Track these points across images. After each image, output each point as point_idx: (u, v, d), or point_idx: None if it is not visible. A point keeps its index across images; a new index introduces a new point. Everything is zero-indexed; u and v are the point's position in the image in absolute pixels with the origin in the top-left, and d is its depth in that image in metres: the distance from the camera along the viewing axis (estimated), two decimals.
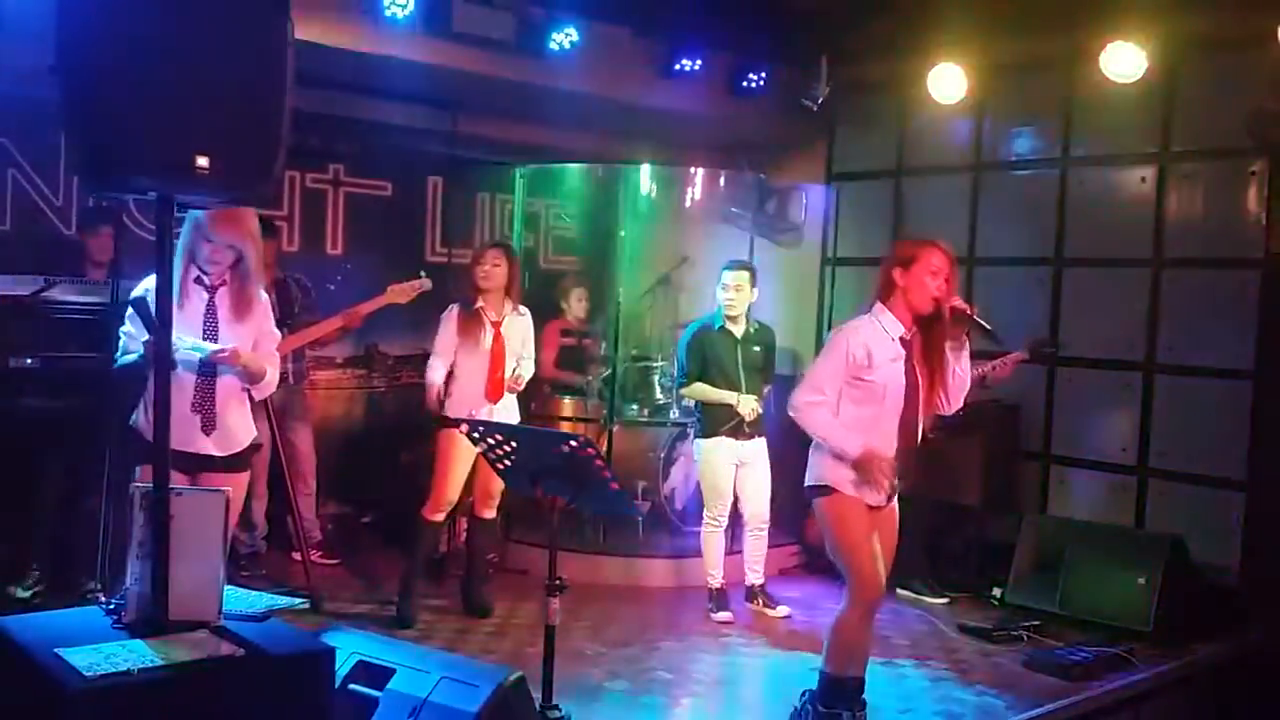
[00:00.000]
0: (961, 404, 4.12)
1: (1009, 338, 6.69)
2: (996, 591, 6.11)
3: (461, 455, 5.29)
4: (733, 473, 5.75)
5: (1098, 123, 6.64)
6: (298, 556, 5.70)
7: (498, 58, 6.25)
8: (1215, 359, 6.15)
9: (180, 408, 3.74)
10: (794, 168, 7.99)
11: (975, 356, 6.10)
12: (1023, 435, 6.90)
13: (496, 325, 5.35)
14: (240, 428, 4.13)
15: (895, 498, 4.07)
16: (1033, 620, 5.67)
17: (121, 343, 4.00)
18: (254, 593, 3.34)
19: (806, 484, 4.07)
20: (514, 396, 5.45)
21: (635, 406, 7.10)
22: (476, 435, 3.92)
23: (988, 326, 4.16)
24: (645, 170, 7.46)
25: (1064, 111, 6.80)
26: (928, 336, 3.98)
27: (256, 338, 4.08)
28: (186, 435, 3.88)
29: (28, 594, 5.00)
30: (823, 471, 3.98)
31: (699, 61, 6.90)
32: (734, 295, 5.70)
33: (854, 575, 3.98)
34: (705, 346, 5.75)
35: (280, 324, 5.90)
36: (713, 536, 5.80)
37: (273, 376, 4.19)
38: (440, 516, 5.44)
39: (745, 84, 7.22)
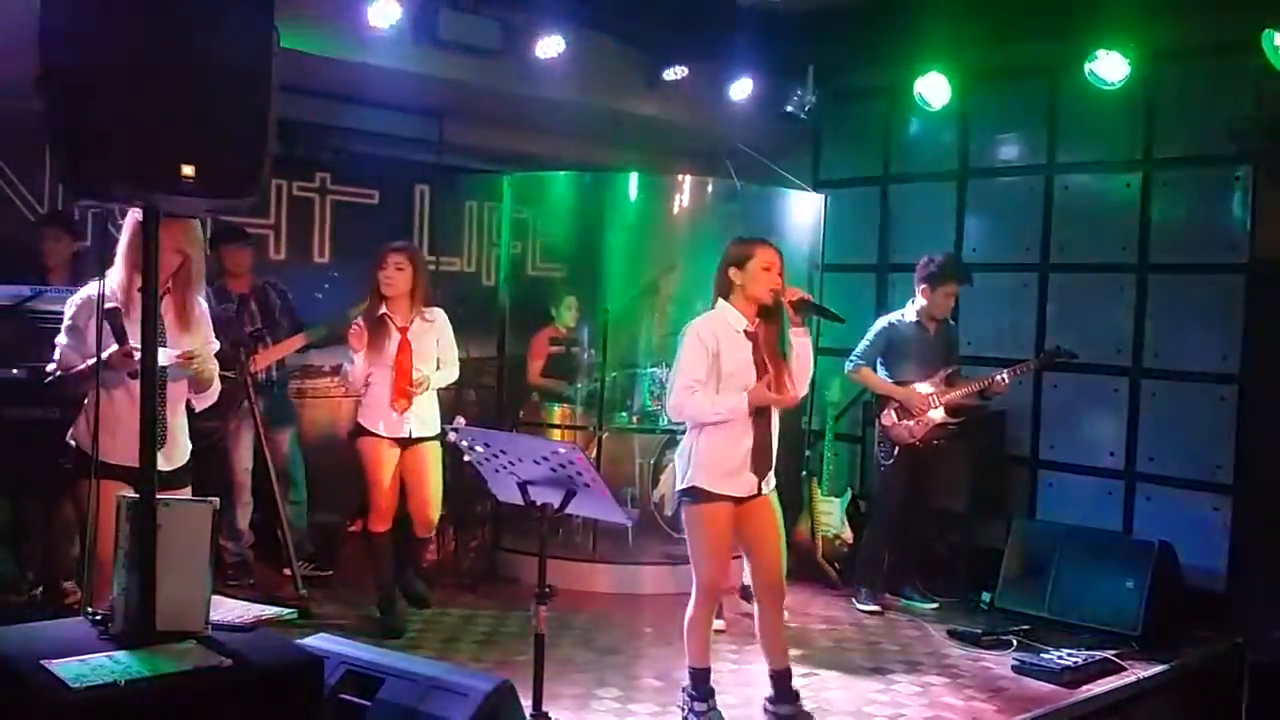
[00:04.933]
0: (806, 389, 4.41)
1: (996, 344, 6.80)
2: (985, 596, 6.13)
3: (385, 460, 5.26)
4: None
5: (1082, 129, 6.67)
6: (288, 573, 5.67)
7: (484, 66, 6.25)
8: (1201, 363, 6.19)
9: (132, 422, 3.66)
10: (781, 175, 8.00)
11: (981, 365, 6.18)
12: (1010, 440, 6.92)
13: (403, 331, 5.23)
14: (183, 442, 4.07)
15: (770, 488, 4.26)
16: (1022, 625, 5.68)
17: (58, 353, 3.89)
18: (242, 603, 3.33)
19: (676, 489, 4.30)
20: (434, 403, 5.35)
21: (624, 414, 7.09)
22: (465, 445, 3.91)
23: (830, 310, 4.45)
24: (633, 178, 7.46)
25: (1049, 118, 6.84)
26: (769, 327, 4.20)
27: (193, 348, 3.98)
28: (136, 450, 3.78)
29: (23, 599, 4.98)
30: (690, 474, 4.20)
31: (686, 69, 6.91)
32: None
33: (701, 576, 4.26)
34: None
35: (265, 332, 5.94)
36: None
37: (216, 386, 4.13)
38: (385, 526, 5.34)
39: (732, 92, 7.24)
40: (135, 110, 2.70)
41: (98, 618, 2.94)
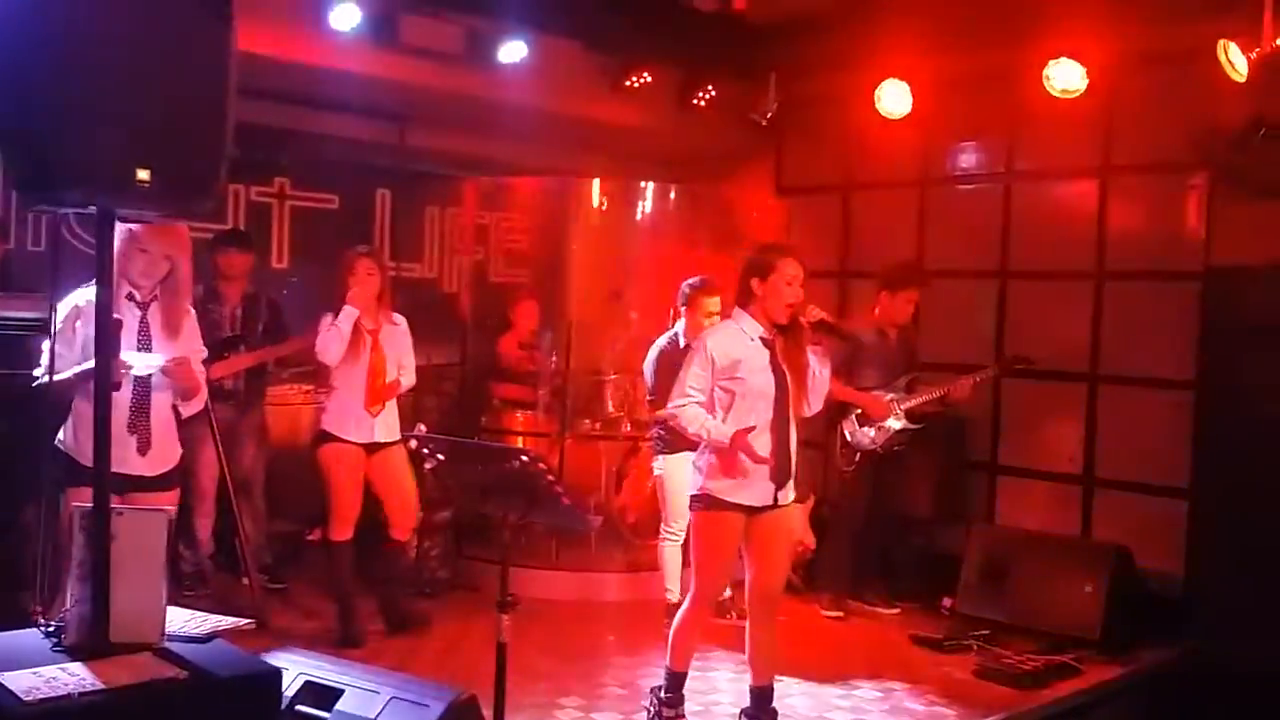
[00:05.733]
0: (822, 406, 4.33)
1: (955, 351, 6.83)
2: (946, 602, 6.16)
3: (351, 466, 5.24)
4: None
5: (1041, 137, 6.74)
6: (246, 582, 5.60)
7: (446, 70, 6.22)
8: (1158, 370, 6.26)
9: (115, 427, 3.67)
10: (743, 181, 8.02)
11: (940, 372, 6.23)
12: (971, 446, 6.97)
13: (374, 334, 5.26)
14: (170, 446, 4.12)
15: (788, 500, 4.19)
16: (982, 630, 5.71)
17: (45, 358, 3.87)
18: (198, 613, 3.28)
19: (689, 494, 4.24)
20: (394, 406, 5.37)
21: (587, 420, 7.07)
22: (425, 452, 3.89)
23: (844, 331, 4.43)
24: (596, 184, 7.46)
25: (1008, 126, 6.90)
26: (787, 340, 4.12)
27: (187, 355, 4.02)
28: (120, 455, 3.79)
29: None
30: (702, 480, 4.13)
31: (649, 76, 6.91)
32: (717, 319, 5.64)
33: (699, 587, 4.23)
34: (676, 365, 5.69)
35: (240, 340, 5.87)
36: (671, 550, 5.78)
37: (203, 393, 4.16)
38: (347, 534, 5.30)
39: (695, 98, 7.25)
40: (90, 114, 2.67)
41: (51, 629, 2.89)
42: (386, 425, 5.30)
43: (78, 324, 3.82)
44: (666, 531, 5.78)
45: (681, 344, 5.69)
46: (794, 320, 4.08)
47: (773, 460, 4.06)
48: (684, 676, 4.35)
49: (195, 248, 4.27)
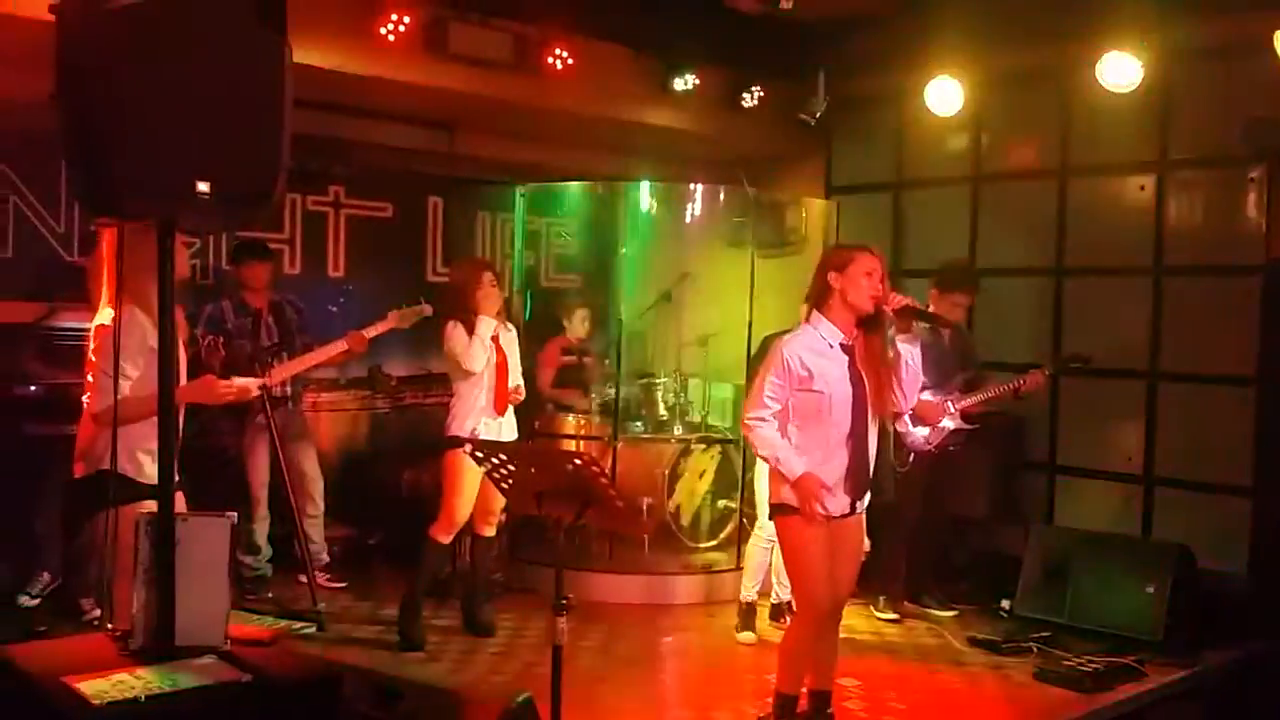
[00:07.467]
0: (916, 400, 4.20)
1: (1011, 349, 6.77)
2: (1005, 603, 6.09)
3: (472, 473, 5.29)
4: None
5: (1095, 132, 6.65)
6: (304, 579, 5.68)
7: (494, 77, 6.27)
8: (1218, 366, 6.15)
9: (145, 441, 3.59)
10: (793, 182, 8.00)
11: (998, 371, 6.17)
12: (1029, 446, 6.89)
13: (496, 340, 5.42)
14: None
15: (864, 506, 4.13)
16: (1042, 632, 5.64)
17: (102, 381, 3.54)
18: (261, 616, 3.34)
19: (770, 503, 4.18)
20: (512, 410, 5.54)
21: (639, 423, 7.08)
22: (480, 456, 3.92)
23: (939, 316, 4.40)
24: (645, 187, 7.47)
25: (1061, 122, 6.82)
26: (870, 338, 4.00)
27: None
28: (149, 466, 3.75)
29: (36, 600, 4.99)
30: (783, 489, 4.02)
31: (697, 78, 6.92)
32: None
33: (801, 596, 4.14)
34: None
35: (280, 348, 5.97)
36: (762, 555, 5.69)
37: None
38: (449, 538, 5.43)
39: (743, 100, 7.24)
40: (150, 128, 2.72)
41: (118, 634, 2.95)
42: (510, 426, 5.52)
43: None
44: (761, 535, 5.72)
45: None
46: (879, 310, 3.96)
47: (849, 475, 3.98)
48: (794, 700, 4.14)
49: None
